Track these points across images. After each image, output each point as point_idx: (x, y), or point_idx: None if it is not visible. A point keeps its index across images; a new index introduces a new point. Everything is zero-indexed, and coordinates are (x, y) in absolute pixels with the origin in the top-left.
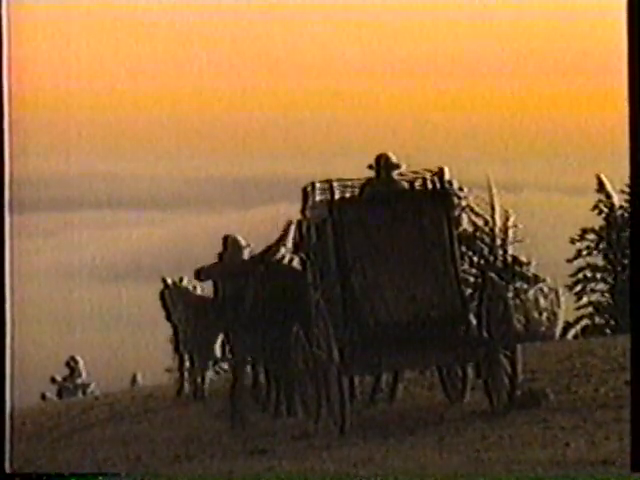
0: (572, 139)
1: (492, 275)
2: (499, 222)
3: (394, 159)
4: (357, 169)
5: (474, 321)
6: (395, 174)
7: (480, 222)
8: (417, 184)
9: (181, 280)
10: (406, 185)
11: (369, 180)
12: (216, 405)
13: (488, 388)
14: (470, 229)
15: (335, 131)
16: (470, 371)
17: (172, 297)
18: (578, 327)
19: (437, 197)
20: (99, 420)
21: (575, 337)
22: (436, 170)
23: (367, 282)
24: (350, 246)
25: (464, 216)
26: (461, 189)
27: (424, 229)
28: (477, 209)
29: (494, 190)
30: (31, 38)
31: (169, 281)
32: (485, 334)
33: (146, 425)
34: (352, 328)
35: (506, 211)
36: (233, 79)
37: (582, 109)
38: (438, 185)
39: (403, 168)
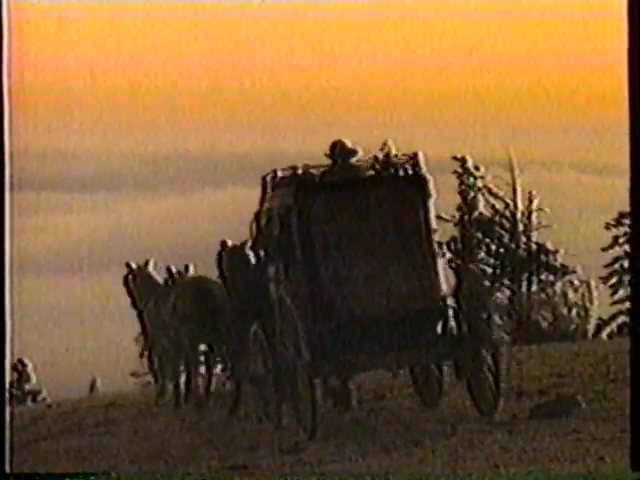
0: (607, 114)
1: (471, 266)
2: (521, 205)
3: (349, 145)
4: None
5: (453, 317)
6: (354, 161)
7: (499, 205)
8: (391, 170)
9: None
10: (371, 171)
11: (327, 168)
12: (190, 415)
13: (471, 390)
14: (487, 213)
15: (324, 112)
16: (447, 372)
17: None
18: (614, 325)
19: (412, 183)
20: (51, 432)
21: (610, 336)
22: (410, 155)
23: (337, 274)
24: (318, 236)
25: (480, 198)
26: (477, 168)
27: (399, 217)
28: (496, 190)
29: (516, 169)
30: (32, 22)
31: (134, 265)
32: (466, 330)
33: (107, 438)
34: (322, 325)
35: (529, 193)
36: (210, 64)
37: (621, 88)
38: (412, 171)
39: (360, 154)
